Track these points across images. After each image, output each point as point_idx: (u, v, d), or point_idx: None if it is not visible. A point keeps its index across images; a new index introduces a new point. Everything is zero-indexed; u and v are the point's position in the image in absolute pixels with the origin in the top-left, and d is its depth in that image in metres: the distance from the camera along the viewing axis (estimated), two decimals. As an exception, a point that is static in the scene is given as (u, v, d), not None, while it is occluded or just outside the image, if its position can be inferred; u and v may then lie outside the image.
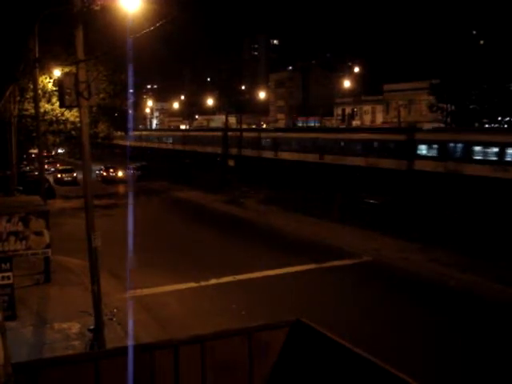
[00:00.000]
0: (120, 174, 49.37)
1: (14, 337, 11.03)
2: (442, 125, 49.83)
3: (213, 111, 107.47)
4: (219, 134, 63.61)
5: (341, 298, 15.78)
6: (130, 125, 51.12)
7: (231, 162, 54.95)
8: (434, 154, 35.10)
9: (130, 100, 42.77)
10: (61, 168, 52.20)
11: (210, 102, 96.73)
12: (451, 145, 34.16)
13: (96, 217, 11.50)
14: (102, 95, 27.86)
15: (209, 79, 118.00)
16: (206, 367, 7.43)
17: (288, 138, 53.17)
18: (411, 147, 36.42)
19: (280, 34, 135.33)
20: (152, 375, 7.21)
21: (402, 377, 6.08)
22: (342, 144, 43.98)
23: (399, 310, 14.74)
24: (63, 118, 28.65)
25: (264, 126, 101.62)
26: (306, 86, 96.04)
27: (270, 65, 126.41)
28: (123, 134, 47.76)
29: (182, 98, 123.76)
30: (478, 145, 32.49)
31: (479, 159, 32.15)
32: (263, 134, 58.08)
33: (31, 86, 22.47)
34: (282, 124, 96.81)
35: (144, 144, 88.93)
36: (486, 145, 31.93)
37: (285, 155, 50.84)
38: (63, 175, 48.31)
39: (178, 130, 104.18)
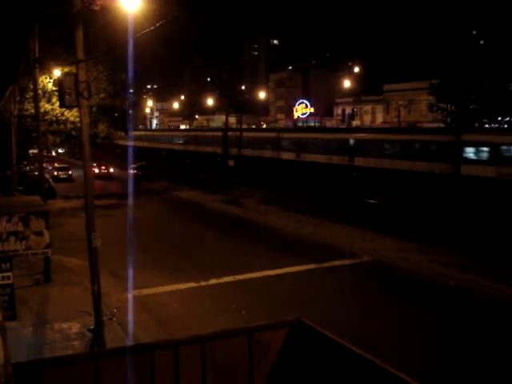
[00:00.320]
0: (111, 170, 54.20)
1: (14, 337, 11.03)
2: (442, 125, 49.82)
3: (213, 111, 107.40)
4: (219, 133, 63.60)
5: (341, 298, 15.78)
6: (130, 125, 51.58)
7: (231, 162, 54.95)
8: (484, 158, 31.59)
9: (130, 100, 42.83)
10: (57, 166, 55.78)
11: (210, 101, 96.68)
12: (504, 147, 30.73)
13: (96, 217, 11.49)
14: (101, 95, 27.82)
15: (209, 79, 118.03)
16: (205, 367, 7.44)
17: (312, 138, 49.35)
18: (457, 149, 32.93)
19: (280, 34, 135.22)
20: (152, 375, 7.21)
21: (401, 377, 6.08)
22: (377, 146, 40.05)
23: (399, 310, 14.74)
24: (63, 118, 28.60)
25: (264, 125, 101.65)
26: (306, 86, 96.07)
27: (270, 65, 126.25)
28: (123, 133, 47.81)
29: (182, 98, 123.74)
30: None
31: None
32: (284, 135, 54.07)
33: (31, 86, 22.44)
34: (281, 124, 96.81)
35: (144, 144, 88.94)
36: None
37: (307, 157, 47.41)
38: (59, 173, 52.00)
39: (179, 129, 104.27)
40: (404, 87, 67.99)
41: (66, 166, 55.92)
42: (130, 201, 34.99)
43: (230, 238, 24.54)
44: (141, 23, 12.56)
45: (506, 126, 49.40)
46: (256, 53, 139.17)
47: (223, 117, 72.88)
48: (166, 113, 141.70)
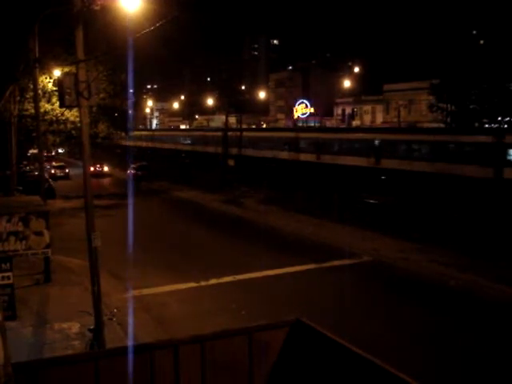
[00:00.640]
0: (105, 168, 56.68)
1: (14, 337, 11.03)
2: (442, 125, 49.85)
3: (213, 111, 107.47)
4: (219, 133, 63.57)
5: (341, 298, 15.77)
6: (130, 125, 52.11)
7: (231, 162, 54.95)
8: None
9: (130, 100, 42.84)
10: (54, 165, 58.15)
11: (210, 101, 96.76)
12: None
13: (96, 217, 11.50)
14: (102, 95, 27.85)
15: (209, 79, 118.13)
16: (205, 367, 7.44)
17: (335, 139, 46.24)
18: (500, 151, 30.81)
19: (280, 34, 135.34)
20: (152, 375, 7.22)
21: (401, 377, 6.08)
22: (405, 147, 38.01)
23: (399, 310, 14.74)
24: (63, 118, 28.63)
25: (264, 125, 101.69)
26: (305, 86, 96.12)
27: (270, 65, 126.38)
28: (123, 134, 47.94)
29: (182, 98, 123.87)
30: None
31: None
32: (303, 135, 51.35)
33: (31, 86, 22.45)
34: (281, 124, 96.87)
35: (144, 144, 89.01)
36: None
37: (327, 158, 45.11)
38: (57, 171, 54.64)
39: (179, 129, 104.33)
40: (404, 87, 68.01)
41: (62, 164, 58.77)
42: (130, 201, 35.00)
43: (230, 238, 24.54)
44: (141, 23, 12.58)
45: (506, 126, 49.39)
46: (256, 53, 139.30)
47: (223, 117, 72.89)
48: (166, 113, 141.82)
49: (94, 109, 26.72)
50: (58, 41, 22.92)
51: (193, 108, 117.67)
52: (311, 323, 7.76)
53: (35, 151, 38.25)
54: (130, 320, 13.42)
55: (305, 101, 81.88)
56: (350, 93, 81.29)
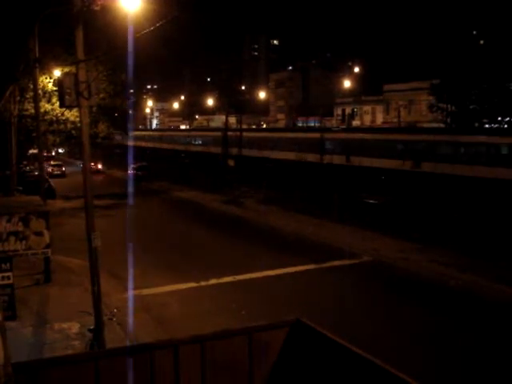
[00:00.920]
0: (99, 166, 59.96)
1: (14, 337, 11.03)
2: (442, 125, 49.85)
3: (213, 111, 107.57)
4: (219, 134, 63.57)
5: (341, 298, 15.77)
6: (130, 125, 52.50)
7: (231, 162, 54.94)
8: None
9: (130, 100, 42.86)
10: (52, 164, 61.06)
11: (210, 102, 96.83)
12: None
13: (96, 217, 11.49)
14: (101, 95, 27.86)
15: (209, 79, 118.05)
16: (205, 367, 7.44)
17: (367, 140, 43.26)
18: None
19: (280, 34, 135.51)
20: (152, 375, 7.21)
21: (401, 377, 6.08)
22: (445, 148, 35.41)
23: (399, 310, 14.74)
24: (63, 118, 28.65)
25: (264, 125, 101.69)
26: (305, 85, 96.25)
27: (270, 65, 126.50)
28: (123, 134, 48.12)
29: (182, 98, 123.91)
30: None
31: None
32: (328, 135, 48.62)
33: (31, 86, 22.45)
34: (282, 124, 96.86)
35: (144, 144, 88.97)
36: None
37: (356, 161, 42.39)
38: (54, 169, 57.64)
39: (179, 129, 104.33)
40: (404, 87, 68.05)
41: (59, 163, 62.26)
42: (130, 201, 35.00)
43: (230, 238, 24.54)
44: (141, 23, 12.57)
45: (505, 126, 49.41)
46: (256, 53, 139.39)
47: (223, 117, 72.90)
48: (166, 113, 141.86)
49: (94, 109, 26.72)
50: (58, 41, 22.93)
51: (193, 108, 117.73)
52: (311, 323, 7.75)
53: (35, 151, 38.30)
54: (130, 320, 13.42)
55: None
56: (350, 93, 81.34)
